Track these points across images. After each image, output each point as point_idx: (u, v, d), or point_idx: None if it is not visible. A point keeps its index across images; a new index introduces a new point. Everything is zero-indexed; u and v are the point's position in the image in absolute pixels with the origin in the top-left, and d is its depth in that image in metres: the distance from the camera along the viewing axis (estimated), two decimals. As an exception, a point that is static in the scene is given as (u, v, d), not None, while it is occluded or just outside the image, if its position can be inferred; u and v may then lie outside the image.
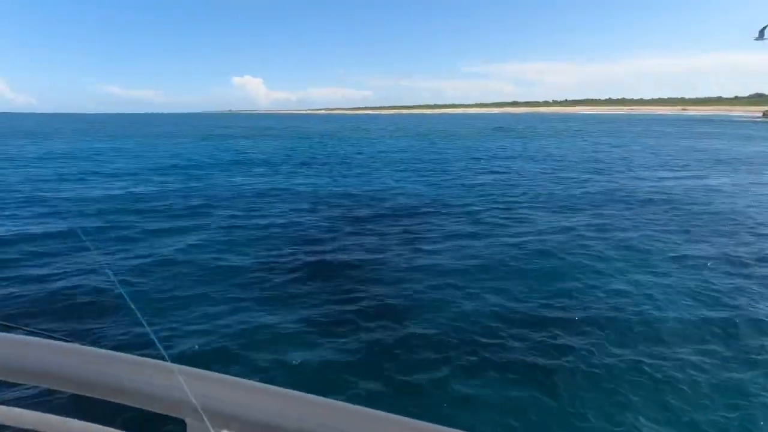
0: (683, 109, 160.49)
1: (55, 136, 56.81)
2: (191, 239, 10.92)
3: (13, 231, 11.49)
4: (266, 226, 12.32)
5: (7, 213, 13.63)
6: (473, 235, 11.37)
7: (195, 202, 15.51)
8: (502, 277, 8.57)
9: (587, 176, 21.32)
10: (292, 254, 9.90)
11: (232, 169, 24.63)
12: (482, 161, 28.40)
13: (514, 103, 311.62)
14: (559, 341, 6.24)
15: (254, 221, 12.87)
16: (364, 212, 14.00)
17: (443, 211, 14.05)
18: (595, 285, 8.14)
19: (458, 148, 38.66)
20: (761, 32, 67.34)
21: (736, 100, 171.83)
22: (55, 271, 8.66)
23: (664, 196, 16.19)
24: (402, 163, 27.90)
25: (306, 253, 9.98)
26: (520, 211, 14.12)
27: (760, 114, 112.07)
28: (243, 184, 19.37)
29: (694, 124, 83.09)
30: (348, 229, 12.03)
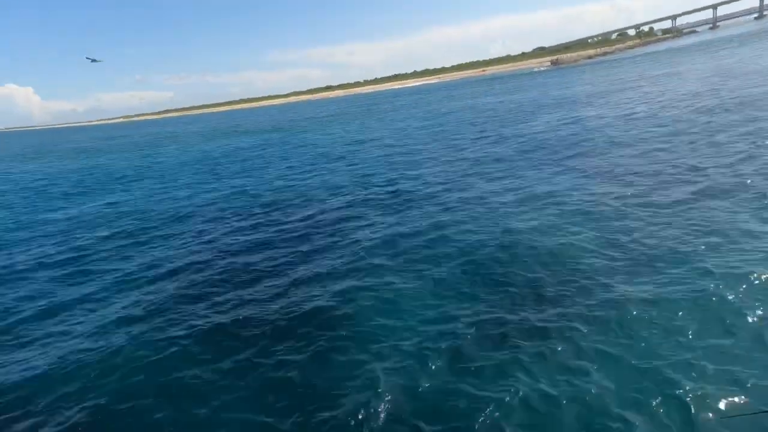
0: (483, 71, 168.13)
1: None
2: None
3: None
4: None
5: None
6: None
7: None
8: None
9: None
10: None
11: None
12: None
13: (329, 88, 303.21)
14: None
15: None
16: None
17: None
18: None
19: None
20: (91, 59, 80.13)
21: (523, 56, 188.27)
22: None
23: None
24: None
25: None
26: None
27: (549, 63, 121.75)
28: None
29: (503, 80, 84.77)
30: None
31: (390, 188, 14.30)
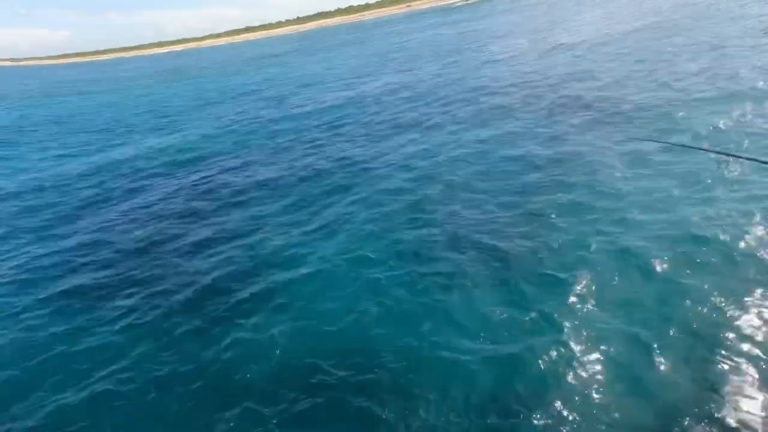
0: (408, 6, 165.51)
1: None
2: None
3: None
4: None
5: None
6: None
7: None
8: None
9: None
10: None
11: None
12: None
13: (248, 29, 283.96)
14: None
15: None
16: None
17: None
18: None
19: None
20: None
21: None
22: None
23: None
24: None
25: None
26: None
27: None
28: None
29: (438, 14, 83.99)
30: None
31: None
